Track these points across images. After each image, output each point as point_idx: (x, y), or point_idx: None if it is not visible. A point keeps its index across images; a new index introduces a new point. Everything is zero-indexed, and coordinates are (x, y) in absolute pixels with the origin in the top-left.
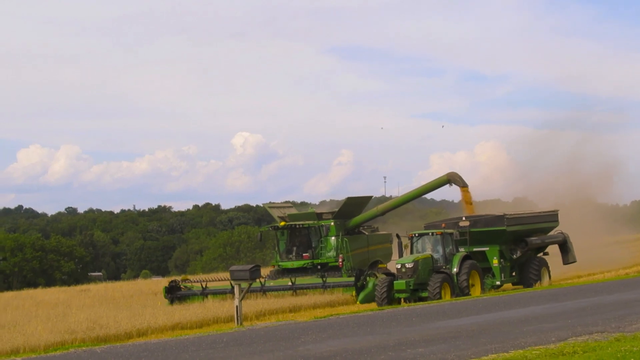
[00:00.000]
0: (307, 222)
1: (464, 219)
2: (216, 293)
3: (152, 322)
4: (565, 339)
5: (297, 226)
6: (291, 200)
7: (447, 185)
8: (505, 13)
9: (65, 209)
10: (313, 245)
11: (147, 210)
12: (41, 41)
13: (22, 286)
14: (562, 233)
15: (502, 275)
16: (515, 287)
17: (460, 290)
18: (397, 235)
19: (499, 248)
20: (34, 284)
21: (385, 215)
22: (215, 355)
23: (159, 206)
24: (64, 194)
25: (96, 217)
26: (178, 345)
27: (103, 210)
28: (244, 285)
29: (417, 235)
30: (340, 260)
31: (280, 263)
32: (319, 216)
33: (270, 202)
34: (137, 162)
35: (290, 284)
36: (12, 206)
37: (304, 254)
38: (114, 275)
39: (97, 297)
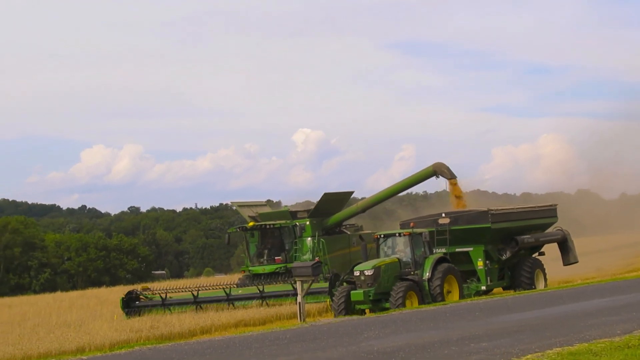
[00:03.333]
0: (278, 221)
1: (443, 215)
2: (177, 304)
3: (216, 319)
4: (631, 332)
5: (268, 226)
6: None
7: (434, 177)
8: (568, 3)
9: (128, 208)
10: (286, 248)
11: (209, 208)
12: (104, 42)
13: (86, 285)
14: (561, 230)
15: (489, 279)
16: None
17: (433, 299)
18: (361, 237)
19: (484, 248)
20: (98, 283)
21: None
22: (279, 351)
23: (221, 204)
24: (127, 193)
25: (159, 216)
26: (242, 342)
27: (165, 209)
28: (305, 285)
29: (382, 236)
30: None
31: (250, 268)
32: (294, 215)
33: (240, 201)
34: (200, 161)
35: (258, 292)
36: (76, 206)
37: (276, 258)
38: (177, 273)
39: None
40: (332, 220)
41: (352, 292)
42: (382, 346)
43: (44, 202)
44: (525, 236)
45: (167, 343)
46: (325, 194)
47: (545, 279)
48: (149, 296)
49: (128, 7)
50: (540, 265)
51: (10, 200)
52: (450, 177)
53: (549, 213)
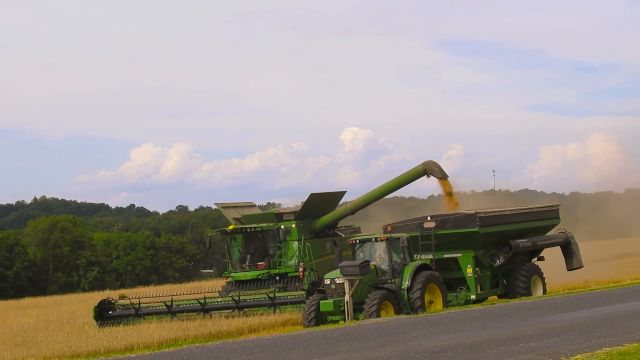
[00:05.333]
0: (260, 224)
1: (428, 218)
2: (152, 313)
3: (264, 318)
4: None
5: (249, 230)
6: (399, 196)
7: (425, 176)
8: (614, 1)
9: (176, 207)
10: (270, 252)
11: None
12: (153, 42)
13: (134, 284)
14: (564, 232)
15: (479, 287)
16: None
17: (413, 310)
18: (335, 243)
19: (473, 254)
20: (146, 282)
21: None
22: (327, 350)
23: (268, 203)
24: (175, 192)
25: (207, 215)
26: (290, 340)
27: (213, 207)
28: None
29: (358, 242)
30: (300, 269)
31: (232, 274)
32: (279, 217)
33: (225, 202)
34: (248, 160)
35: (234, 301)
36: (125, 205)
37: (258, 263)
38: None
39: None
40: (321, 223)
41: (321, 302)
42: (430, 345)
43: (92, 201)
44: (520, 240)
45: (214, 341)
46: (313, 195)
47: (544, 286)
48: (125, 305)
49: (177, 6)
50: (538, 272)
51: (60, 199)
52: (442, 176)
53: (550, 215)
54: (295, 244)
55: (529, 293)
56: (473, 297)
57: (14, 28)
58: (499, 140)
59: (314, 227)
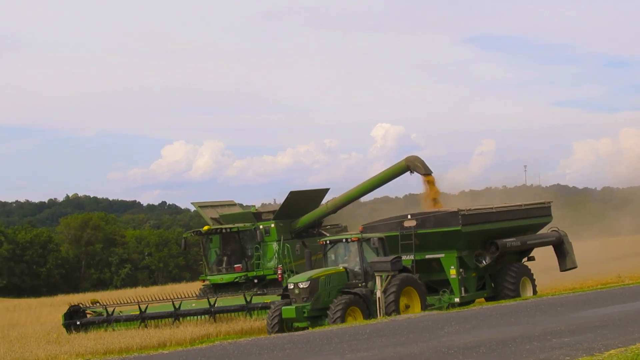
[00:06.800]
0: (237, 224)
1: (409, 217)
2: (123, 320)
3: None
4: None
5: (225, 230)
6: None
7: (408, 172)
8: None
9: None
10: (249, 254)
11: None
12: (184, 40)
13: (167, 281)
14: (556, 231)
15: (463, 289)
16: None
17: (387, 315)
18: (304, 244)
19: (457, 254)
20: (178, 279)
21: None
22: (359, 346)
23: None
24: (207, 189)
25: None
26: (322, 337)
27: (245, 204)
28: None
29: (329, 243)
30: (279, 271)
31: (208, 277)
32: (258, 217)
33: (203, 201)
34: (280, 156)
35: (208, 306)
36: (157, 202)
37: (235, 266)
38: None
39: None
40: (301, 223)
41: (283, 308)
42: (463, 341)
43: (124, 199)
44: (508, 239)
45: (247, 338)
46: (292, 193)
47: (534, 287)
48: (98, 311)
49: (208, 4)
50: (527, 272)
51: (92, 196)
52: (425, 172)
53: (541, 212)
54: (275, 245)
55: (517, 295)
56: (457, 300)
57: (46, 29)
58: (531, 135)
59: (295, 227)
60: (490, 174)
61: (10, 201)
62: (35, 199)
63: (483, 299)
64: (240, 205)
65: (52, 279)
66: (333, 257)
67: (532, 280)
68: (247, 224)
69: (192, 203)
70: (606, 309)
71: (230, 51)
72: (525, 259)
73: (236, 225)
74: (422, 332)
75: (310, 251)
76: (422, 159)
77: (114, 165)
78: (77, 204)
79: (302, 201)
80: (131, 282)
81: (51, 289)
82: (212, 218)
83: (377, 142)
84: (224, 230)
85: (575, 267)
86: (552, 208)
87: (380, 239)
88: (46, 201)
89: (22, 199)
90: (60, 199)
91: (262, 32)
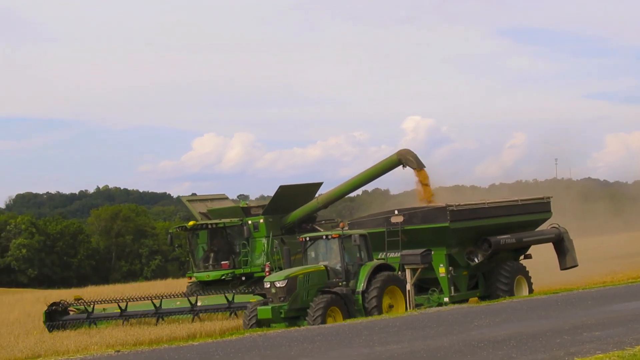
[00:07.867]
0: (224, 220)
1: (396, 212)
2: (104, 318)
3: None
4: None
5: (212, 226)
6: (460, 185)
7: (400, 166)
8: None
9: (237, 196)
10: (236, 251)
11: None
12: (213, 33)
13: None
14: (556, 228)
15: (452, 288)
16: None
17: (369, 315)
18: (282, 240)
19: (446, 252)
20: None
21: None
22: (389, 338)
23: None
24: (237, 181)
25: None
26: (351, 329)
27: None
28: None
29: (309, 239)
30: (267, 269)
31: (195, 274)
32: (247, 211)
33: (193, 195)
34: (310, 149)
35: (190, 305)
36: (187, 194)
37: (222, 262)
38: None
39: None
40: (292, 218)
41: (259, 308)
42: (493, 335)
43: (155, 191)
44: (502, 237)
45: (276, 329)
46: (282, 187)
47: (530, 286)
48: (81, 308)
49: None
50: (522, 271)
51: (122, 188)
52: (417, 166)
53: (539, 207)
54: (264, 241)
55: (511, 294)
56: (446, 299)
57: (80, 23)
58: (563, 128)
59: (285, 223)
60: (521, 166)
61: (41, 193)
62: (66, 190)
63: (476, 298)
64: (234, 200)
65: (82, 270)
66: (313, 254)
67: (528, 279)
68: (235, 219)
69: (181, 197)
70: (637, 302)
71: (261, 44)
72: (522, 257)
73: (223, 220)
74: (451, 325)
75: (289, 249)
76: (415, 153)
77: (145, 158)
78: (107, 195)
79: (293, 196)
80: (161, 273)
81: (81, 280)
82: (200, 213)
83: (408, 135)
84: (210, 226)
85: (576, 266)
86: (584, 202)
87: (362, 235)
88: (77, 193)
89: (53, 191)
90: (91, 190)
91: (293, 25)
